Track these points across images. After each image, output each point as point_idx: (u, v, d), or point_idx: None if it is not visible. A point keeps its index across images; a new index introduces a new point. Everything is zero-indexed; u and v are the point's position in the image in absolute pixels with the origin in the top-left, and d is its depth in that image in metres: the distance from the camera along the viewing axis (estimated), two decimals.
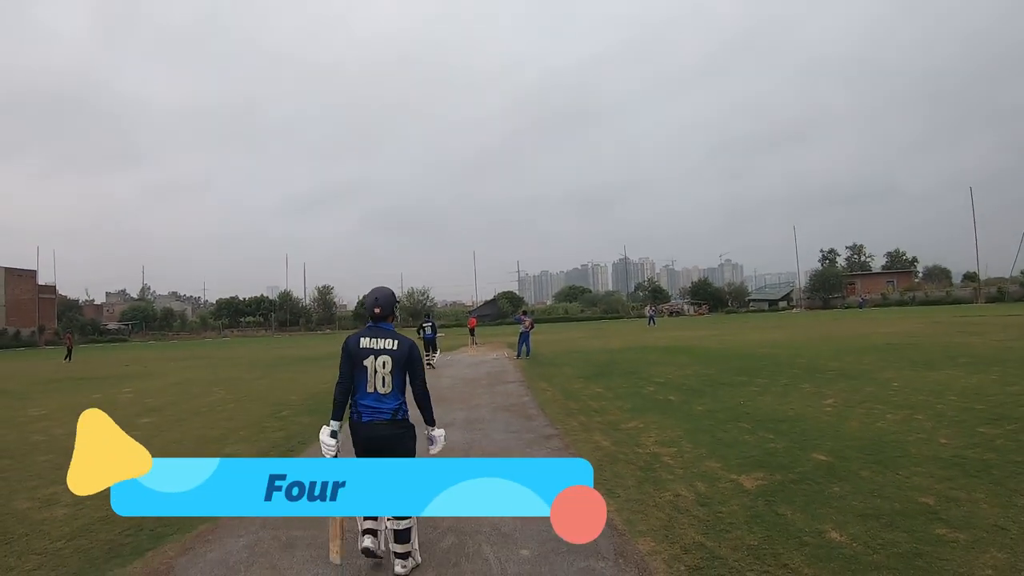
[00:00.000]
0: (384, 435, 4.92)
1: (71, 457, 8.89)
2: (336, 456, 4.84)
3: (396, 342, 5.01)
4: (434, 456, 5.13)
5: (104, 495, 7.05)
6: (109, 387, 19.61)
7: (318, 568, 5.02)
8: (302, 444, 9.86)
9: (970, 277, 78.11)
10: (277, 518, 6.22)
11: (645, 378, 16.10)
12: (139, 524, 6.15)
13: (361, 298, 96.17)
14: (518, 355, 25.34)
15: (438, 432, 5.38)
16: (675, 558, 4.87)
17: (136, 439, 9.97)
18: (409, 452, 5.03)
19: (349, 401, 5.05)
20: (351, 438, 5.04)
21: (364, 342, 5.00)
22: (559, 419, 11.13)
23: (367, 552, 4.98)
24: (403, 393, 5.10)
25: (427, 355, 22.65)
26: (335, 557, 4.46)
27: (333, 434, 4.95)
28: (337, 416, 5.06)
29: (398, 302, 5.04)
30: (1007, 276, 69.84)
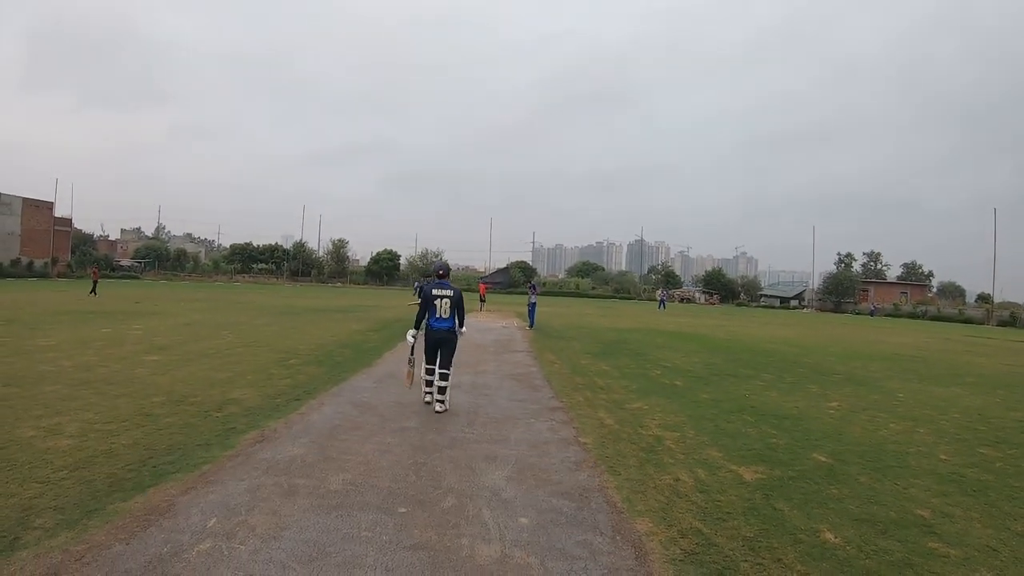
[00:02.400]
0: (444, 337, 9.40)
1: (77, 388, 8.99)
2: (412, 345, 9.76)
3: (451, 291, 9.52)
4: (461, 334, 9.82)
5: (108, 430, 7.15)
6: (119, 323, 19.65)
7: (318, 517, 5.09)
8: (308, 394, 9.94)
9: (984, 298, 77.69)
10: (279, 465, 6.36)
11: (652, 361, 16.17)
12: (142, 460, 6.25)
13: (375, 254, 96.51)
14: (531, 325, 25.71)
15: (464, 329, 9.90)
16: (671, 541, 4.94)
17: (142, 376, 10.06)
18: (455, 345, 9.58)
19: (425, 319, 9.45)
20: (425, 337, 9.49)
21: (435, 291, 9.42)
22: (565, 393, 11.22)
23: (427, 394, 9.73)
24: (453, 318, 9.51)
25: None
26: (407, 384, 10.05)
27: (414, 335, 9.67)
28: (417, 326, 9.63)
29: (450, 269, 9.97)
30: (1022, 302, 69.42)
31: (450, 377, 9.39)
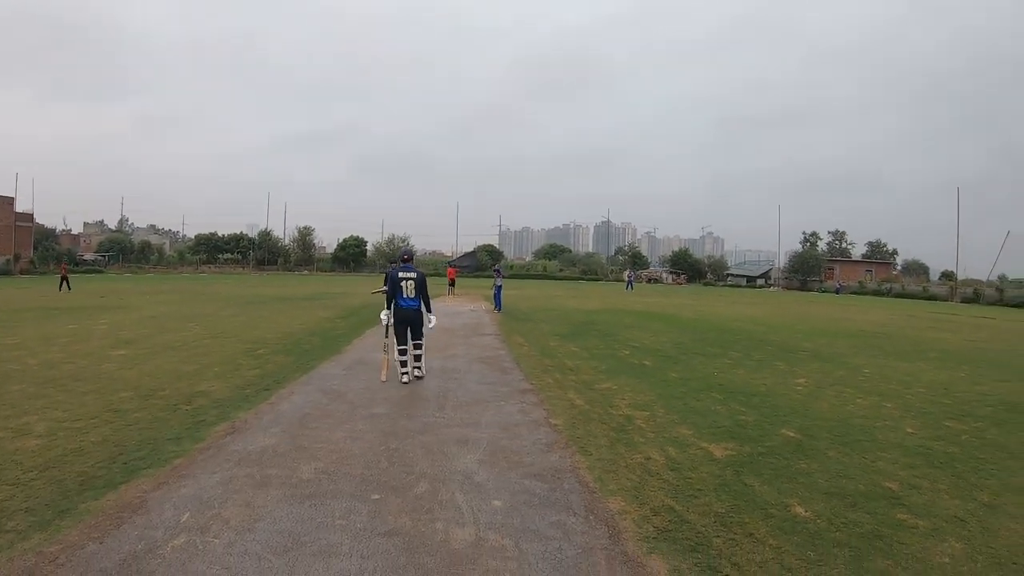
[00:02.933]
0: (412, 316, 10.41)
1: (44, 386, 8.83)
2: (387, 324, 10.64)
3: (415, 274, 10.46)
4: (429, 329, 11.10)
5: (76, 428, 7.02)
6: (84, 318, 19.30)
7: (292, 507, 5.04)
8: (277, 384, 9.84)
9: (947, 276, 78.52)
10: (250, 456, 6.30)
11: (621, 341, 16.24)
12: (112, 456, 6.15)
13: (341, 240, 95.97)
14: (497, 308, 26.01)
15: (432, 317, 10.96)
16: (644, 519, 4.95)
17: (109, 371, 9.89)
18: (421, 324, 10.62)
19: (394, 300, 10.39)
20: (394, 316, 10.43)
21: (401, 274, 10.42)
22: (534, 375, 11.22)
23: (403, 375, 10.37)
24: (419, 298, 10.44)
25: None
26: (382, 376, 10.47)
27: (387, 315, 10.58)
28: (388, 307, 10.58)
29: (414, 254, 10.39)
30: (984, 279, 70.28)
31: (423, 346, 10.86)
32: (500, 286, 27.33)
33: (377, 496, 5.33)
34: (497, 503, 5.25)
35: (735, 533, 4.71)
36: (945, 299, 61.48)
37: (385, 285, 11.41)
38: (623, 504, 5.27)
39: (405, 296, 10.34)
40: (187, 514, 4.85)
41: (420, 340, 10.70)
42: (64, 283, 36.60)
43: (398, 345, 10.42)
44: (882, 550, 4.48)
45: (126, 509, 4.91)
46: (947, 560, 4.36)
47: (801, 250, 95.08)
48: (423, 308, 10.54)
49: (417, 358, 10.65)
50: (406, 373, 10.30)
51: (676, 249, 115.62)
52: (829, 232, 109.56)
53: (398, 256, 11.30)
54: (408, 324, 10.42)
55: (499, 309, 25.79)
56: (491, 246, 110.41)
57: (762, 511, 5.14)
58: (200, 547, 4.30)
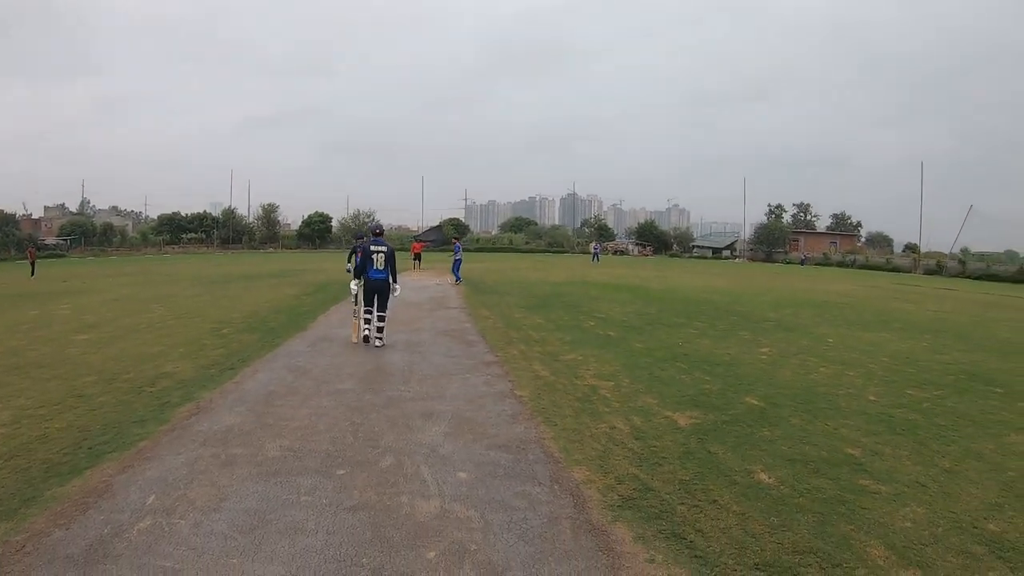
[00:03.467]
0: (380, 286, 11.36)
1: (6, 374, 8.66)
2: (355, 293, 12.08)
3: (386, 247, 11.47)
4: (395, 296, 11.94)
5: (40, 415, 6.87)
6: (46, 303, 18.84)
7: (257, 485, 4.99)
8: (242, 362, 9.72)
9: (911, 248, 79.37)
10: (215, 436, 6.23)
11: (586, 313, 16.27)
12: (77, 442, 6.04)
13: (306, 217, 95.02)
14: (457, 280, 26.73)
15: (398, 287, 11.90)
16: (609, 488, 4.96)
17: (73, 356, 9.72)
18: (387, 295, 11.51)
19: (364, 270, 11.41)
20: (364, 286, 11.50)
21: (372, 248, 11.42)
22: (499, 347, 11.21)
23: (365, 339, 11.53)
24: (387, 270, 11.41)
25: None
26: (353, 338, 11.87)
27: (357, 284, 11.91)
28: (357, 276, 11.75)
29: (383, 229, 10.52)
30: (947, 252, 71.15)
31: (386, 319, 11.64)
32: (459, 259, 28.18)
33: (342, 471, 5.30)
34: (462, 475, 5.24)
35: (699, 500, 4.73)
36: (908, 271, 62.18)
37: (353, 259, 13.10)
38: (588, 474, 5.27)
39: (375, 268, 11.40)
40: (152, 496, 4.78)
41: (384, 312, 11.53)
42: (33, 268, 35.97)
43: (365, 307, 11.57)
44: (845, 515, 4.52)
45: (91, 494, 4.83)
46: (909, 524, 4.41)
47: (766, 222, 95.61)
48: (390, 279, 11.61)
49: (380, 329, 11.45)
50: (367, 329, 11.55)
51: (642, 221, 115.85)
52: (794, 204, 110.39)
53: (369, 230, 12.64)
54: (376, 293, 11.41)
55: (459, 281, 26.60)
56: (457, 220, 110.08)
57: (726, 478, 5.17)
58: (166, 529, 4.25)
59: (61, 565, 3.78)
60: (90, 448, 5.88)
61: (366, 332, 11.56)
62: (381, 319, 11.43)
